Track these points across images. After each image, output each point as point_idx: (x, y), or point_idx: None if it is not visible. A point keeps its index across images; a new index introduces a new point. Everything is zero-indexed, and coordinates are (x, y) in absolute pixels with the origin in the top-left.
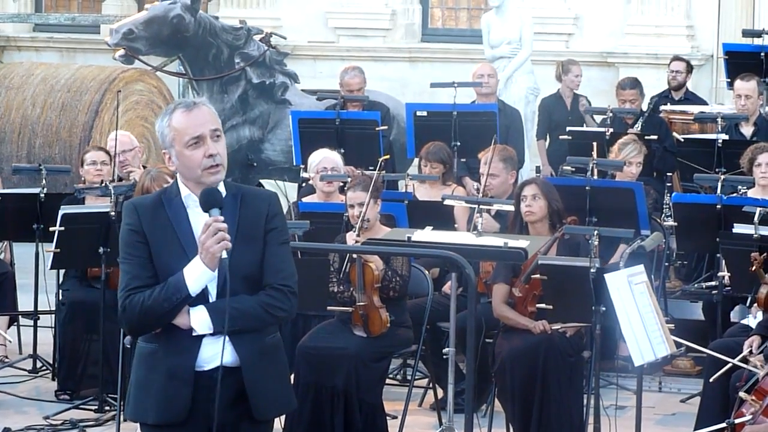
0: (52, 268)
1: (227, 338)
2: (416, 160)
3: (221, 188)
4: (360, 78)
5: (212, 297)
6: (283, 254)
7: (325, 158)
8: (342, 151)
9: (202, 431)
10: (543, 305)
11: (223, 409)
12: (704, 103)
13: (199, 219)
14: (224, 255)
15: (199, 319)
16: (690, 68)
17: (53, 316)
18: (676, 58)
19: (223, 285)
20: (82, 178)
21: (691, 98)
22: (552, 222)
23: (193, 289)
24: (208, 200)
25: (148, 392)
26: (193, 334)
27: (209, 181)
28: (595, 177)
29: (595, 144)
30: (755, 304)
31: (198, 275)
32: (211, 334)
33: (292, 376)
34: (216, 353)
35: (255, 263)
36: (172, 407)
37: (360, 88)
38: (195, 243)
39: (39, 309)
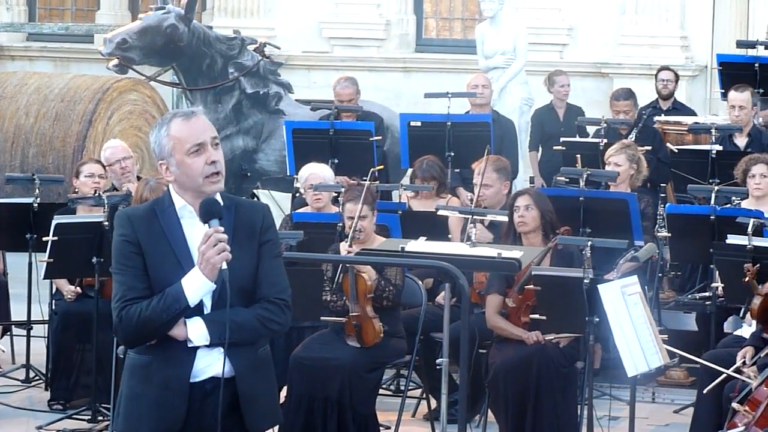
0: (45, 278)
1: (222, 350)
2: (410, 171)
3: (218, 198)
4: (352, 89)
5: (207, 308)
6: (277, 267)
7: (312, 174)
8: (336, 161)
9: None
10: (536, 316)
11: (229, 417)
12: (692, 112)
13: (193, 230)
14: (224, 266)
15: (196, 331)
16: (677, 77)
17: (46, 325)
18: (665, 68)
19: (219, 296)
20: (76, 189)
21: (679, 107)
22: (545, 233)
23: (192, 299)
24: (209, 210)
25: (140, 404)
26: (189, 345)
27: (209, 190)
28: (585, 188)
29: (578, 156)
30: (748, 315)
31: (198, 286)
32: (206, 346)
33: (285, 388)
34: (209, 364)
35: (249, 275)
36: (167, 418)
37: (352, 99)
38: (190, 254)
39: (32, 319)
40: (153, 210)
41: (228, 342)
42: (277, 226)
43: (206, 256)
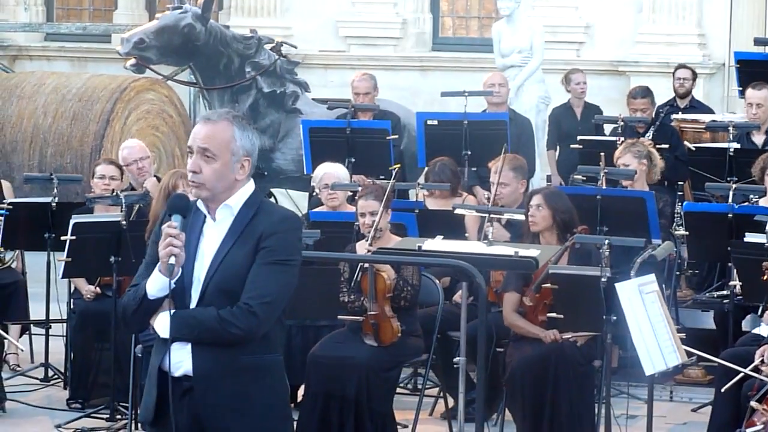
0: (63, 277)
1: (190, 347)
2: (425, 170)
3: (236, 201)
4: (368, 83)
5: (193, 304)
6: (262, 274)
7: (326, 174)
8: (353, 160)
9: None
10: (554, 314)
11: (193, 419)
12: (710, 110)
13: (207, 230)
14: (172, 261)
15: (161, 323)
16: (695, 76)
17: (65, 324)
18: (682, 66)
19: (204, 294)
20: (93, 189)
21: (697, 106)
22: (559, 232)
23: (150, 291)
24: (172, 205)
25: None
26: (161, 337)
27: (192, 194)
28: (605, 186)
29: (602, 154)
30: (767, 314)
31: (154, 279)
32: (176, 341)
33: (303, 386)
34: (180, 360)
35: (236, 279)
36: (146, 407)
37: (368, 93)
38: (194, 253)
39: (51, 318)
40: (196, 207)
41: (183, 338)
42: None
43: (158, 249)
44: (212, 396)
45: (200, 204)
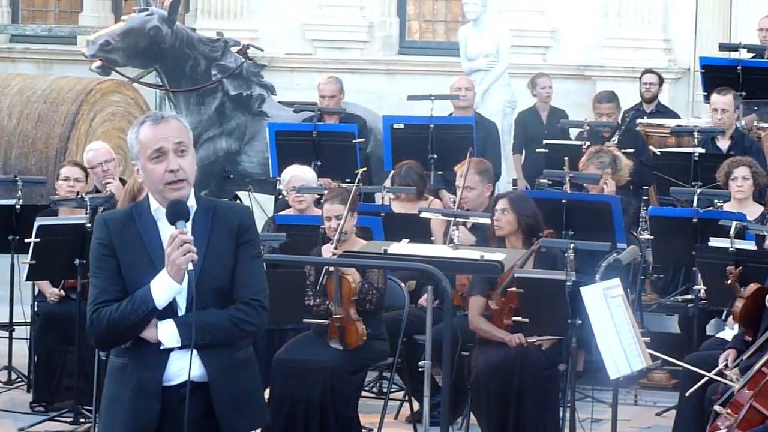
0: (27, 280)
1: (195, 353)
2: (391, 174)
3: (192, 201)
4: (334, 86)
5: (181, 311)
6: (254, 268)
7: (294, 176)
8: (318, 163)
9: None
10: (519, 318)
11: (192, 424)
12: (676, 115)
13: (168, 232)
14: (190, 267)
15: (166, 333)
16: (661, 81)
17: (28, 327)
18: (648, 71)
19: (192, 298)
20: (57, 191)
21: (663, 110)
22: (525, 236)
23: (160, 301)
24: (175, 212)
25: (117, 407)
26: (161, 347)
27: (171, 196)
28: (570, 190)
29: (566, 158)
30: (731, 318)
31: (164, 288)
32: (179, 348)
33: (268, 390)
34: (183, 367)
35: (225, 277)
36: (140, 422)
37: (334, 95)
38: (163, 256)
39: (14, 321)
40: (131, 213)
41: (198, 344)
42: (260, 229)
43: (172, 257)
44: (223, 395)
45: (153, 208)
